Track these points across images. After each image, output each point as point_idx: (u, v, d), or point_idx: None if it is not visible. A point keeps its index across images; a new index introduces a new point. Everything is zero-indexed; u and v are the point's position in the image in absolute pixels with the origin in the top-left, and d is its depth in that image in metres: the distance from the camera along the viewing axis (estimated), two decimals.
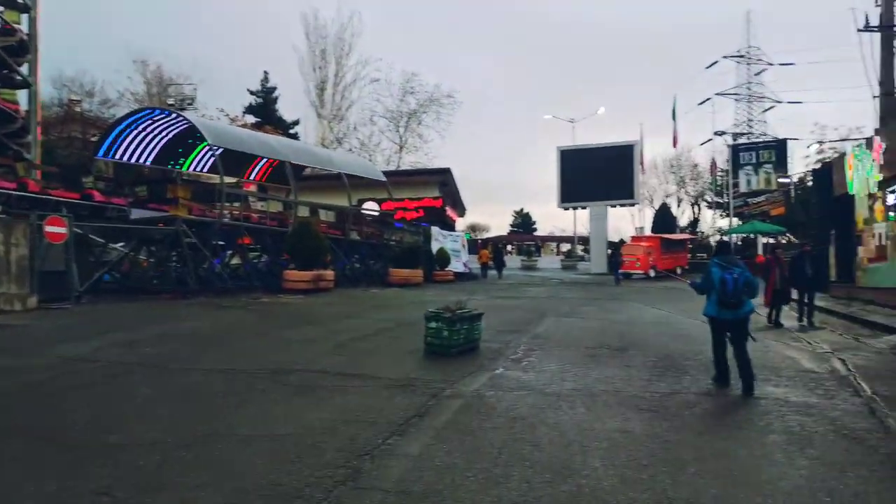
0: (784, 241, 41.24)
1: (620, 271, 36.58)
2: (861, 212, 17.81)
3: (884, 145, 15.34)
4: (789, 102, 51.47)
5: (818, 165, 52.44)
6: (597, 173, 41.89)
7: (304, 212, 26.81)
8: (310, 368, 8.97)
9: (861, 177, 16.77)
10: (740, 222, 40.07)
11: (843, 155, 18.29)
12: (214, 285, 20.58)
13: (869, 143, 16.38)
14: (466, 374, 8.74)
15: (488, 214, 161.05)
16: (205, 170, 26.82)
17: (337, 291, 21.87)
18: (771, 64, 54.56)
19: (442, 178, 38.94)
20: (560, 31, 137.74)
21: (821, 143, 21.27)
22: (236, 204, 23.92)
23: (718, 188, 43.46)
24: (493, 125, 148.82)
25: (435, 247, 30.85)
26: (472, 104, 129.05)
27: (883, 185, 15.89)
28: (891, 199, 15.45)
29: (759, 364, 9.45)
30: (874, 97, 20.40)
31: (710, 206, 56.24)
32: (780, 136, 43.09)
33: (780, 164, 40.24)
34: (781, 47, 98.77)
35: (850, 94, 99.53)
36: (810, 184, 49.11)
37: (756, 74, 55.65)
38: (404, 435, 5.98)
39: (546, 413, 6.72)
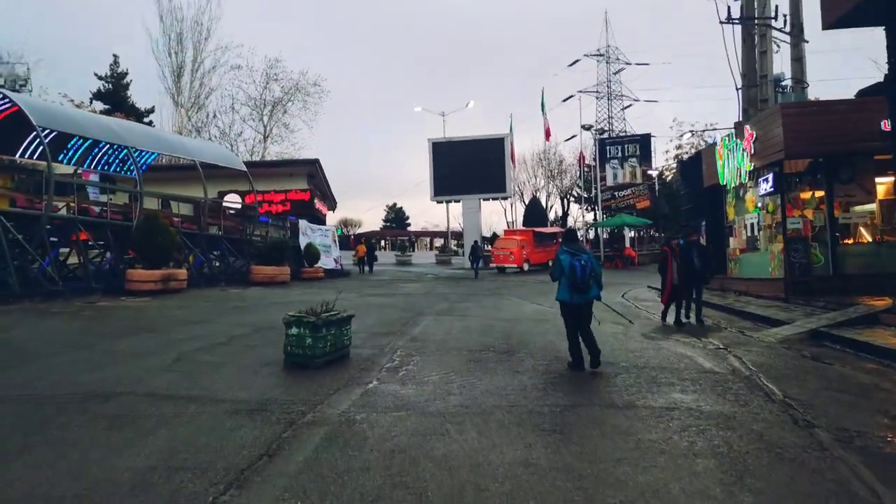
0: (655, 234, 42.80)
1: (494, 265, 36.33)
2: (732, 202, 18.05)
3: (755, 133, 15.39)
4: (646, 101, 53.81)
5: (675, 161, 55.40)
6: (469, 166, 41.42)
7: (153, 204, 23.97)
8: (135, 390, 7.13)
9: (732, 167, 16.88)
10: (608, 216, 41.05)
11: (713, 145, 18.44)
12: (43, 288, 17.60)
13: (739, 131, 16.47)
14: (333, 390, 7.26)
15: (361, 209, 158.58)
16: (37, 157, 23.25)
17: (190, 292, 19.48)
18: (629, 63, 56.79)
19: (310, 170, 36.77)
20: (430, 23, 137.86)
21: (693, 132, 21.72)
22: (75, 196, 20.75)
23: (586, 182, 44.36)
24: (364, 118, 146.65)
25: (303, 242, 28.85)
26: (343, 96, 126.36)
27: (754, 175, 16.01)
28: (762, 189, 15.57)
29: (658, 366, 8.69)
30: (737, 89, 20.88)
31: (577, 200, 57.74)
32: (639, 134, 44.61)
33: (645, 157, 41.64)
34: (649, 45, 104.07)
35: (713, 90, 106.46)
36: (668, 178, 51.55)
37: (615, 73, 57.70)
38: (245, 487, 4.45)
39: (431, 442, 5.40)
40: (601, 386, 7.51)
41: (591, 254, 8.48)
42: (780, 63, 21.95)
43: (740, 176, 16.46)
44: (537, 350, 10.11)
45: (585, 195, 46.26)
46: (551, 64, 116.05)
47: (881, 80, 19.87)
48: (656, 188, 42.88)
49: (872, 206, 14.95)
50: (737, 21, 20.36)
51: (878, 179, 14.59)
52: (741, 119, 20.88)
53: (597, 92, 57.99)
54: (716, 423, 5.92)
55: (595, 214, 50.80)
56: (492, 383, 7.64)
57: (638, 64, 56.11)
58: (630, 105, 56.91)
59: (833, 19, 11.60)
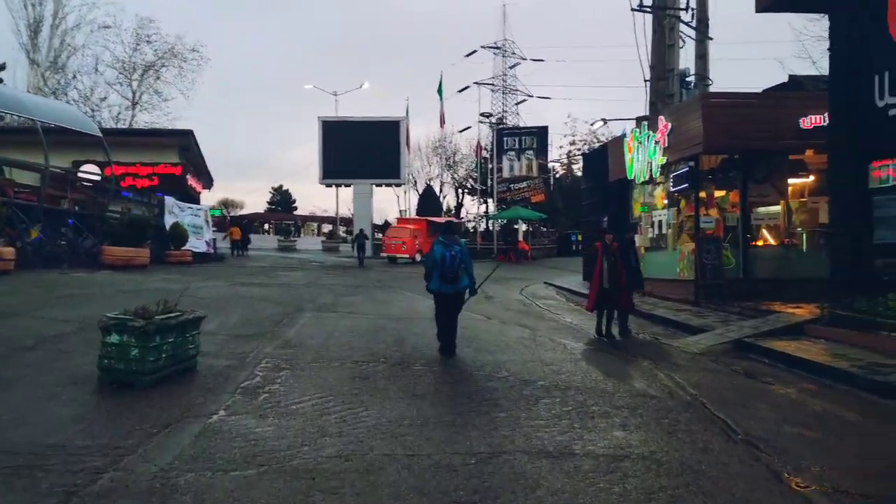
0: (544, 229, 42.38)
1: (385, 254, 34.45)
2: (639, 198, 17.14)
3: (670, 125, 14.40)
4: (539, 97, 53.33)
5: (567, 157, 55.61)
6: (362, 150, 39.19)
7: None
8: None
9: (642, 160, 15.91)
10: (503, 208, 40.10)
11: (621, 137, 17.44)
12: None
13: (653, 123, 15.48)
14: (160, 426, 5.18)
15: (244, 191, 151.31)
16: None
17: (19, 275, 16.24)
18: (524, 58, 56.19)
19: (182, 142, 33.05)
20: (327, 3, 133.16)
21: (605, 120, 20.79)
22: None
23: (482, 172, 43.17)
24: (251, 96, 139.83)
25: (169, 221, 25.65)
26: (228, 71, 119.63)
27: (666, 170, 15.07)
28: (675, 184, 14.63)
29: (584, 386, 7.18)
30: (645, 81, 20.09)
31: (470, 192, 56.67)
32: (537, 126, 44.01)
33: (542, 150, 41.02)
34: (548, 43, 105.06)
35: (610, 90, 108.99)
36: (559, 175, 51.61)
37: (510, 68, 57.00)
38: None
39: None
40: (523, 417, 5.86)
41: (465, 246, 8.68)
42: (686, 59, 21.39)
43: (651, 170, 15.50)
44: (438, 360, 8.38)
45: (480, 187, 45.01)
46: (453, 54, 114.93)
47: (786, 80, 19.75)
48: (552, 182, 42.49)
49: (777, 208, 14.37)
50: (648, 9, 19.52)
51: (790, 180, 13.99)
52: (648, 113, 20.15)
53: (492, 85, 57.11)
54: (685, 485, 4.38)
55: (488, 206, 50.02)
56: (383, 414, 5.81)
57: (533, 60, 55.51)
58: (524, 100, 56.35)
59: (765, 4, 10.59)
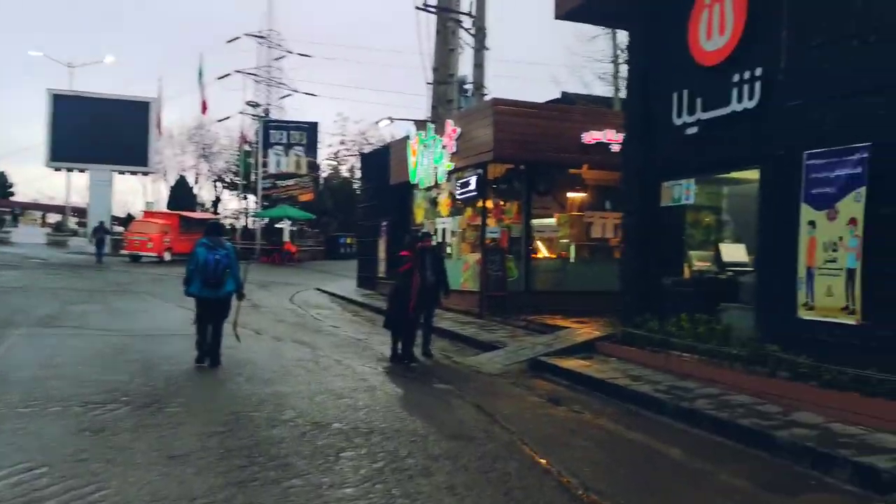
0: (308, 229, 40.54)
1: (126, 252, 30.21)
2: (422, 203, 16.45)
3: (458, 130, 13.86)
4: (305, 93, 51.12)
5: (334, 157, 54.30)
6: (103, 131, 34.04)
7: None
8: None
9: (427, 165, 15.21)
10: (268, 206, 37.54)
11: (405, 138, 16.63)
12: None
13: (440, 127, 14.86)
14: None
15: None
16: None
17: None
18: (290, 52, 53.58)
19: None
20: None
21: (391, 119, 19.72)
22: None
23: (246, 165, 39.94)
24: None
25: None
26: None
27: (452, 176, 14.51)
28: (461, 192, 14.12)
29: (391, 428, 5.98)
30: (427, 84, 19.64)
31: (229, 186, 52.63)
32: (307, 122, 42.03)
33: (311, 147, 39.13)
34: (321, 38, 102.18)
35: (387, 94, 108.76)
36: (327, 175, 50.14)
37: (276, 59, 54.05)
38: None
39: None
40: (325, 484, 4.48)
41: (232, 249, 8.29)
42: (465, 67, 21.42)
43: (436, 175, 14.86)
44: (203, 396, 6.63)
45: (242, 182, 41.58)
46: (215, 39, 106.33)
47: (559, 97, 20.58)
48: (321, 181, 40.80)
49: (552, 221, 14.56)
50: (433, 9, 19.07)
51: (569, 194, 14.23)
52: (430, 116, 19.71)
53: (256, 75, 53.65)
54: None
55: (249, 203, 46.77)
56: (125, 494, 4.05)
57: (300, 54, 52.99)
58: (289, 95, 53.63)
59: (566, 10, 10.38)
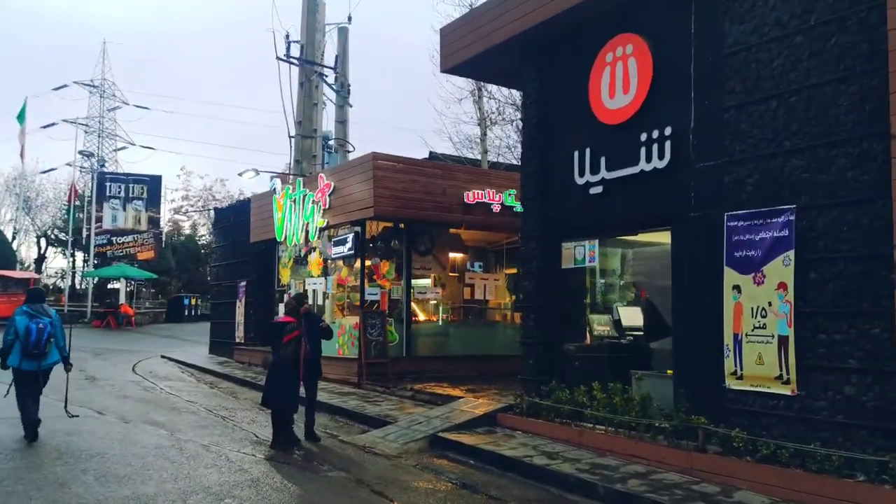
0: (145, 290, 37.05)
1: None
2: (289, 263, 15.08)
3: (332, 185, 12.90)
4: (142, 146, 47.62)
5: (176, 213, 50.67)
6: None
7: None
8: None
9: (295, 221, 14.03)
10: (97, 264, 33.76)
11: (269, 193, 15.33)
12: None
13: (311, 182, 13.81)
14: None
15: None
16: None
17: None
18: (126, 103, 49.94)
19: None
20: None
21: (256, 171, 17.98)
22: None
23: (74, 219, 35.86)
24: None
25: None
26: None
27: (325, 234, 13.44)
28: (337, 251, 13.03)
29: None
30: (290, 137, 18.54)
31: (55, 242, 47.20)
32: (148, 175, 38.82)
33: (153, 202, 36.04)
34: (161, 90, 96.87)
35: (223, 147, 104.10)
36: (167, 231, 46.51)
37: (109, 110, 50.12)
38: None
39: None
40: None
41: (57, 317, 7.88)
42: (328, 122, 20.65)
43: (307, 233, 13.72)
44: None
45: (71, 238, 37.02)
46: (39, 84, 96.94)
47: (427, 155, 20.25)
48: (163, 238, 37.36)
49: (427, 282, 13.92)
50: (295, 61, 18.20)
51: (451, 254, 13.67)
52: (292, 170, 18.64)
53: (87, 126, 49.12)
54: None
55: (76, 261, 42.12)
56: None
57: (137, 106, 49.20)
58: (125, 147, 49.57)
59: (453, 63, 9.99)
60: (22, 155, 33.89)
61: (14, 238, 47.79)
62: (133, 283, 34.22)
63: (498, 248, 14.68)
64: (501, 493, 6.45)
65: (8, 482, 5.97)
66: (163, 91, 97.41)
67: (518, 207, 10.99)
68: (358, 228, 12.61)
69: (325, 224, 13.27)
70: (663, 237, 7.77)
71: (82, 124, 48.33)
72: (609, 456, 7.07)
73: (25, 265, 45.79)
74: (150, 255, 35.14)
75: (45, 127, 40.09)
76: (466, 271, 13.89)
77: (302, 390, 8.34)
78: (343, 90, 20.31)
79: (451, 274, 13.95)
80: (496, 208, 12.95)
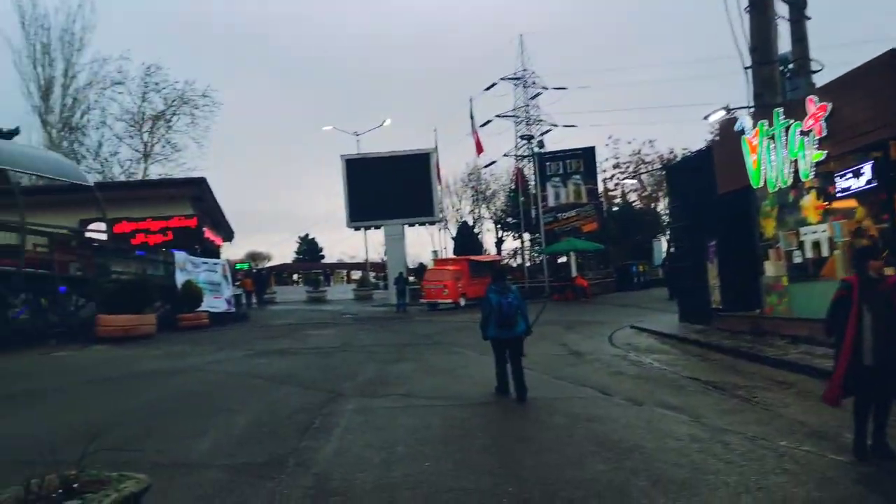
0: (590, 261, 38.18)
1: (424, 301, 30.58)
2: (773, 211, 13.00)
3: (829, 106, 10.42)
4: (565, 126, 49.57)
5: (611, 181, 51.56)
6: (391, 187, 35.60)
7: None
8: None
9: (777, 160, 11.89)
10: (550, 241, 36.06)
11: (737, 133, 13.37)
12: None
13: (792, 108, 11.51)
14: None
15: (270, 242, 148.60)
16: None
17: None
18: (545, 88, 52.65)
19: (194, 192, 29.68)
20: (336, 44, 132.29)
21: (727, 109, 16.64)
22: None
23: (516, 202, 38.99)
24: (271, 147, 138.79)
25: (181, 279, 22.15)
26: (243, 125, 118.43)
27: (824, 169, 11.02)
28: (848, 185, 10.55)
29: None
30: (745, 68, 16.18)
31: (508, 226, 52.60)
32: (581, 148, 40.11)
33: (589, 174, 37.00)
34: (570, 70, 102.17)
35: (647, 111, 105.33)
36: (605, 200, 47.43)
37: (531, 98, 53.42)
38: None
39: None
40: None
41: (518, 292, 8.90)
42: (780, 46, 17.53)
43: (796, 172, 11.46)
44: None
45: (513, 220, 40.31)
46: (472, 89, 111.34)
47: None
48: (604, 208, 38.30)
49: None
50: None
51: None
52: (753, 104, 16.24)
53: (515, 117, 53.48)
54: None
55: (523, 240, 45.96)
56: None
57: (556, 88, 51.94)
58: (549, 130, 52.62)
59: None
60: (478, 150, 38.14)
61: (475, 226, 54.87)
62: (580, 255, 35.55)
63: None
64: None
65: (560, 482, 5.56)
66: (568, 69, 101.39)
67: None
68: (880, 152, 9.84)
69: (822, 156, 10.81)
70: None
71: (511, 116, 52.97)
72: None
73: (486, 250, 52.08)
74: (593, 227, 36.09)
75: (482, 125, 44.91)
76: None
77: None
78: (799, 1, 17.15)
79: None
80: None
